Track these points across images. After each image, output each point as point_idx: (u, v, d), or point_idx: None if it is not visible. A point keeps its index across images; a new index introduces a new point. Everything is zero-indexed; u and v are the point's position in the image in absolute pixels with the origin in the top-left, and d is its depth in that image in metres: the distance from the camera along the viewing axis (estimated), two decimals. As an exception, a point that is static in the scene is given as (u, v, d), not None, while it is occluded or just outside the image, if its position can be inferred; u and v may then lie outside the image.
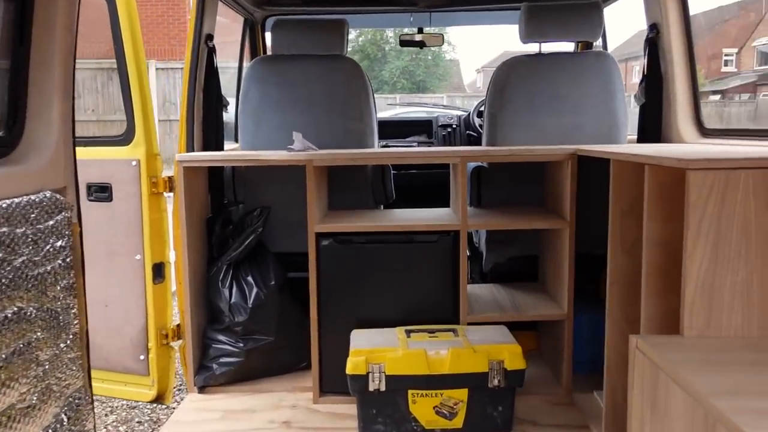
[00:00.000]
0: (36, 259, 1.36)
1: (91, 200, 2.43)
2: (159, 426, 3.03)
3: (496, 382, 1.98)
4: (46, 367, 1.41)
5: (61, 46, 1.44)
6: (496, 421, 2.02)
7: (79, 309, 1.56)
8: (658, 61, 2.56)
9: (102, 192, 2.42)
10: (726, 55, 25.70)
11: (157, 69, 11.76)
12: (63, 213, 1.46)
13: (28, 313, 1.34)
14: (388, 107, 4.29)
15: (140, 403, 3.15)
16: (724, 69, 25.54)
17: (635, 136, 2.74)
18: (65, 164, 1.52)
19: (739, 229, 1.33)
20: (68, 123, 1.50)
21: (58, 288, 1.46)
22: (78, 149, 2.48)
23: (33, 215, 1.36)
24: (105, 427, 3.02)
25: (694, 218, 1.33)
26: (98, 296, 2.46)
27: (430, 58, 29.35)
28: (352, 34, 26.22)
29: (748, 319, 1.35)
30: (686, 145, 2.25)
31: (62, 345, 1.48)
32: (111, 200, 2.40)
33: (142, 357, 2.43)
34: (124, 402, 3.20)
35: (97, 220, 2.42)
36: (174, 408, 2.86)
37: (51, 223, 1.42)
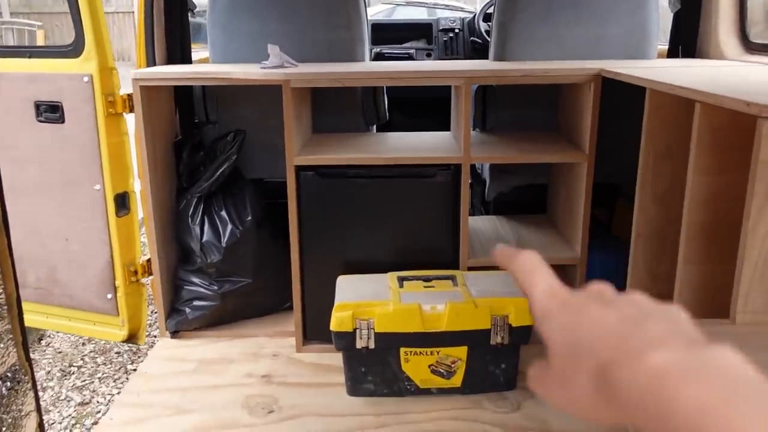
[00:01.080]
0: (-70, 225, 1.08)
1: (40, 121, 2.12)
2: (138, 357, 2.87)
3: (499, 339, 1.75)
4: (-40, 351, 1.17)
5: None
6: (499, 379, 1.81)
7: (3, 273, 1.30)
8: (699, -41, 2.17)
9: (52, 112, 2.10)
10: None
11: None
12: (-31, 161, 1.17)
13: (-76, 294, 1.08)
14: (383, 5, 3.85)
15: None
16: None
17: (665, 47, 2.38)
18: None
19: (819, 195, 1.05)
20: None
21: (-30, 254, 1.19)
22: (23, 61, 2.17)
23: None
24: (82, 358, 2.86)
25: (763, 180, 1.05)
26: (56, 229, 2.21)
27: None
28: None
29: (818, 303, 1.09)
30: (733, 65, 1.92)
31: (-18, 320, 1.23)
32: (63, 121, 2.09)
33: (109, 295, 2.21)
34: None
35: (49, 144, 2.12)
36: (152, 346, 2.68)
37: (-50, 176, 1.13)
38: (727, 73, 1.58)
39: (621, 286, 1.70)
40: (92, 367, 2.75)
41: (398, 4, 3.97)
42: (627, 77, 1.60)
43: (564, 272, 2.16)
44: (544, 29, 2.17)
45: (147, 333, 2.73)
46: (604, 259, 2.14)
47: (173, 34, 2.24)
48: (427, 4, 3.86)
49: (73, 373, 2.71)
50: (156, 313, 2.87)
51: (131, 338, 2.28)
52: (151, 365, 2.01)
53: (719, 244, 1.25)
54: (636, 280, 1.62)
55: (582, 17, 2.16)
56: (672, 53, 2.32)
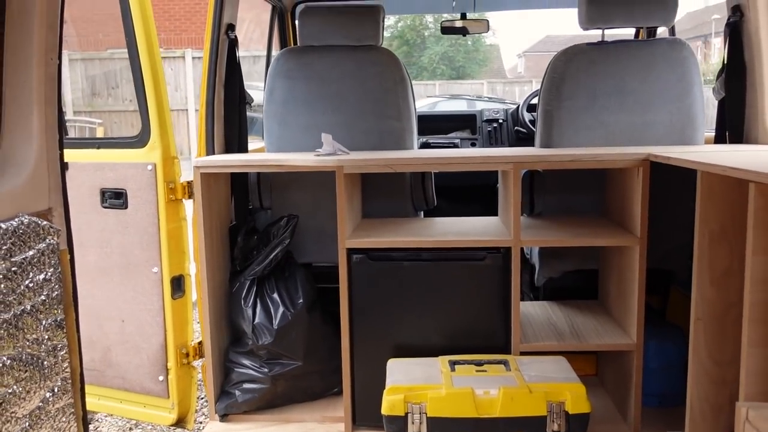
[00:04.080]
0: (9, 299, 1.14)
1: (105, 207, 2.23)
2: (183, 443, 2.85)
3: (555, 427, 1.70)
4: (26, 424, 1.19)
5: (40, 46, 1.20)
6: (556, 470, 1.74)
7: (70, 348, 1.35)
8: (742, 49, 2.22)
9: (117, 198, 2.21)
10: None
11: (193, 58, 11.65)
12: (47, 240, 1.24)
13: (-1, 366, 1.12)
14: (427, 98, 4.00)
15: (161, 422, 2.99)
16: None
17: (711, 134, 2.41)
18: (50, 182, 1.29)
19: None
20: (52, 133, 1.27)
21: (42, 328, 1.24)
22: (91, 152, 2.30)
23: (5, 246, 1.13)
24: (128, 441, 2.85)
25: (828, 258, 1.03)
26: (113, 311, 2.27)
27: (470, 43, 28.87)
28: (390, 20, 25.90)
29: None
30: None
31: (48, 394, 1.26)
32: (126, 207, 2.19)
33: (161, 377, 2.23)
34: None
35: (111, 229, 2.22)
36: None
37: (30, 253, 1.20)
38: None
39: (678, 373, 1.66)
40: (138, 452, 2.74)
41: (441, 99, 4.12)
42: (677, 161, 1.62)
43: (620, 359, 2.10)
44: (589, 116, 2.22)
45: (195, 419, 2.72)
46: (661, 344, 2.09)
47: (232, 125, 2.37)
48: (469, 96, 3.99)
49: (118, 459, 2.69)
50: (202, 398, 2.88)
51: (180, 422, 2.27)
52: (200, 449, 2.00)
53: (785, 325, 1.23)
54: (697, 365, 1.58)
55: (626, 104, 2.21)
56: (719, 139, 2.34)
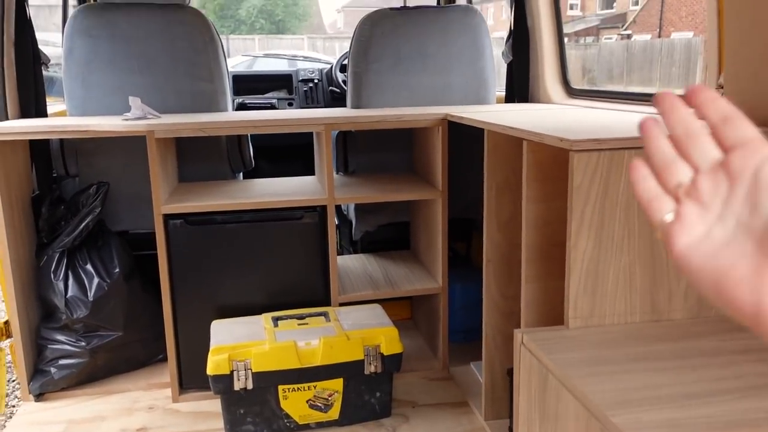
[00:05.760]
0: None
1: None
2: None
3: (372, 368, 1.86)
4: None
5: None
6: (374, 407, 1.91)
7: None
8: (525, 16, 2.47)
9: None
10: (571, -2, 26.96)
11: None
12: None
13: None
14: (242, 57, 3.94)
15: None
16: (569, 12, 26.78)
17: (503, 93, 2.66)
18: None
19: (622, 214, 1.26)
20: None
21: None
22: None
23: None
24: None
25: (578, 204, 1.24)
26: None
27: (288, -3, 28.36)
28: (204, -30, 24.58)
29: (631, 305, 1.29)
30: (556, 108, 2.19)
31: None
32: None
33: (-37, 362, 2.07)
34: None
35: None
36: (7, 418, 2.52)
37: None
38: (550, 115, 1.82)
39: (479, 311, 1.87)
40: (-59, 445, 2.52)
41: (257, 57, 4.08)
42: (468, 120, 1.80)
43: (430, 301, 2.31)
44: (395, 78, 2.36)
45: (6, 403, 2.56)
46: (464, 286, 2.33)
47: (26, 87, 2.20)
48: (285, 56, 4.00)
49: None
50: (14, 381, 2.70)
51: (-11, 407, 2.14)
52: (14, 431, 1.91)
53: (552, 263, 1.44)
54: (490, 301, 1.80)
55: (427, 67, 2.38)
56: (508, 99, 2.60)
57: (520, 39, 2.47)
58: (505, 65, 2.59)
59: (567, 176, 1.29)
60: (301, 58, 3.86)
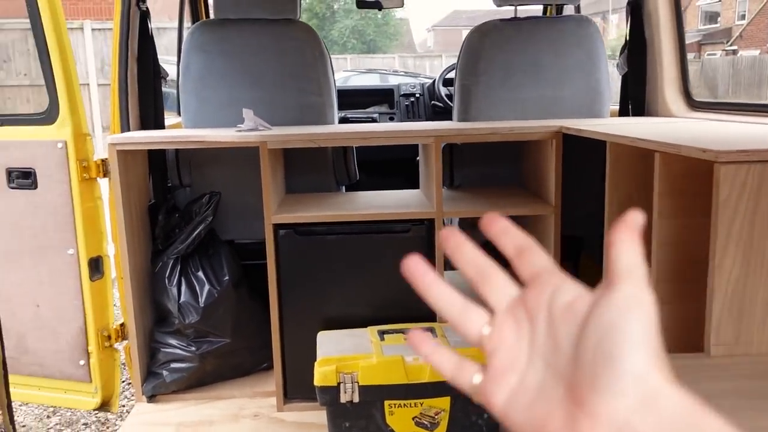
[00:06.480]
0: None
1: (12, 188, 2.12)
2: (107, 428, 2.78)
3: (480, 388, 1.79)
4: (-51, 416, 1.15)
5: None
6: (482, 429, 1.84)
7: (-9, 336, 1.29)
8: (642, 27, 2.36)
9: (25, 178, 2.11)
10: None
11: (93, 30, 11.03)
12: (-38, 224, 1.18)
13: None
14: (343, 72, 4.01)
15: (83, 406, 2.90)
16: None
17: (616, 107, 2.56)
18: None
19: (774, 232, 1.15)
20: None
21: (-39, 317, 1.19)
22: (-5, 130, 2.18)
23: None
24: (47, 431, 2.75)
25: (724, 220, 1.14)
26: (27, 295, 2.18)
27: (380, 16, 28.83)
28: (300, -8, 25.41)
29: (781, 333, 1.18)
30: (679, 121, 2.07)
31: (-30, 384, 1.21)
32: (35, 187, 2.10)
33: (82, 362, 2.17)
34: (67, 403, 2.94)
35: (21, 210, 2.12)
36: (123, 416, 2.62)
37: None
38: (676, 128, 1.71)
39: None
40: (58, 440, 2.65)
41: (354, 73, 4.13)
42: (588, 132, 1.72)
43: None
44: (505, 91, 2.31)
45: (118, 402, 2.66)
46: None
47: (147, 101, 2.30)
48: (385, 71, 4.02)
49: (37, 448, 2.60)
50: (124, 381, 2.81)
51: (104, 406, 2.22)
52: (128, 430, 1.97)
53: (687, 283, 1.34)
54: (608, 323, 1.70)
55: (539, 79, 2.31)
56: (622, 112, 2.49)
57: (637, 50, 2.37)
58: (619, 80, 2.49)
59: (704, 191, 1.19)
60: (402, 73, 3.87)
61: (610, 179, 1.64)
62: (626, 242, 0.39)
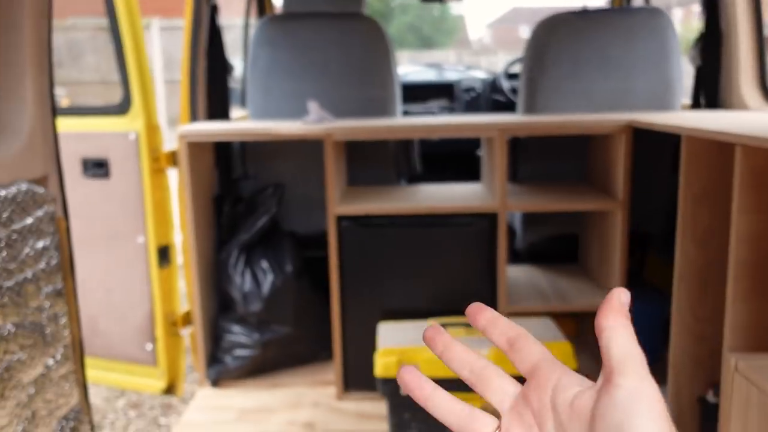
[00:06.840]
0: (11, 266, 1.14)
1: (87, 176, 2.20)
2: (171, 410, 2.87)
3: (542, 384, 1.76)
4: (31, 391, 1.20)
5: (32, 10, 1.18)
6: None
7: (70, 316, 1.35)
8: (718, 18, 2.27)
9: (99, 168, 2.19)
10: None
11: (161, 29, 11.37)
12: (44, 207, 1.23)
13: (5, 333, 1.12)
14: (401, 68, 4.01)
15: (148, 389, 2.99)
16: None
17: (688, 101, 2.47)
18: (44, 149, 1.27)
19: None
20: (45, 100, 1.25)
21: (42, 296, 1.24)
22: (71, 120, 2.26)
23: (5, 214, 1.13)
24: (115, 412, 2.86)
25: (812, 215, 1.09)
26: (98, 280, 2.26)
27: (435, 13, 28.70)
28: (358, -11, 25.53)
29: None
30: (756, 114, 1.99)
31: (50, 361, 1.27)
32: (108, 177, 2.17)
33: (149, 346, 2.24)
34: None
35: (94, 199, 2.20)
36: (186, 400, 2.69)
37: (30, 221, 1.19)
38: (755, 120, 1.64)
39: (655, 332, 1.72)
40: (125, 421, 2.75)
41: (417, 68, 4.12)
42: (661, 126, 1.67)
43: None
44: (573, 83, 2.26)
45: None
46: (642, 306, 2.16)
47: (215, 94, 2.35)
48: (445, 67, 4.00)
49: (105, 428, 2.70)
50: (188, 366, 2.89)
51: (169, 389, 2.29)
52: (194, 415, 2.02)
53: (766, 281, 1.29)
54: (680, 322, 1.65)
55: (608, 71, 2.25)
56: (695, 105, 2.40)
57: (712, 41, 2.28)
58: (690, 73, 2.40)
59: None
60: (462, 69, 3.84)
61: (685, 174, 1.58)
62: (616, 327, 0.38)
